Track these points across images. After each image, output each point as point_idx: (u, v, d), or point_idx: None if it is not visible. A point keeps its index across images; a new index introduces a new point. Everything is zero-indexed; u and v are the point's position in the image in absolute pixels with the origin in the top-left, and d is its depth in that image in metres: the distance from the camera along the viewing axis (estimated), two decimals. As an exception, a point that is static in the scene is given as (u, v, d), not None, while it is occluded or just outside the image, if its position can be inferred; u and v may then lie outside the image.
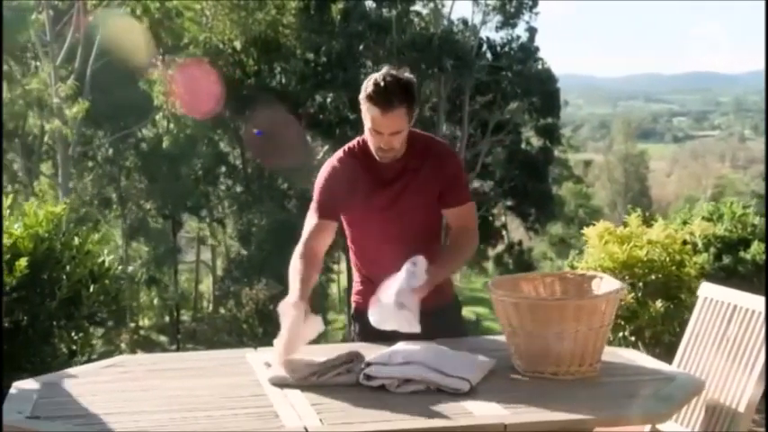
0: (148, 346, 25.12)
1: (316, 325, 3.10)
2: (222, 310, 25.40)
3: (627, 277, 5.49)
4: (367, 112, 3.18)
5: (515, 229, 34.33)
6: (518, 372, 2.99)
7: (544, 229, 32.88)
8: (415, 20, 29.19)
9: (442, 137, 28.14)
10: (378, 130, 3.18)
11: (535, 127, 31.25)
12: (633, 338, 5.42)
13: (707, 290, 3.40)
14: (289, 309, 3.05)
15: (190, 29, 23.78)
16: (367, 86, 3.17)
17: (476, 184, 30.65)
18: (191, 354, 3.32)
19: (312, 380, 2.88)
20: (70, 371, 3.10)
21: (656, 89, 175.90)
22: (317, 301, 26.28)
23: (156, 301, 29.81)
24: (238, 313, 23.13)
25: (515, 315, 2.95)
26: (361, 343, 3.35)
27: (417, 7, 29.43)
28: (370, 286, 3.39)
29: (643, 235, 5.48)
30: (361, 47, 26.91)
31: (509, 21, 29.94)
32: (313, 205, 3.34)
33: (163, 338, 28.29)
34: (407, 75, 3.23)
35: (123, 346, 20.44)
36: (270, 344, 3.06)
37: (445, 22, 29.63)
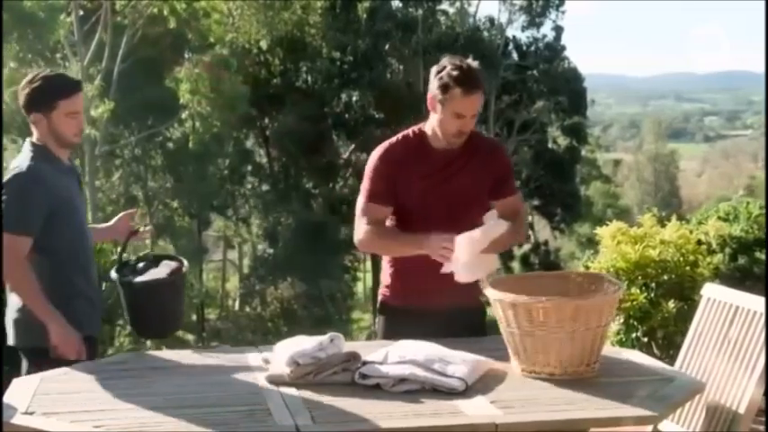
0: (174, 343, 25.24)
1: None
2: (247, 309, 25.51)
3: (640, 277, 5.46)
4: (449, 97, 3.23)
5: (542, 229, 34.16)
6: (516, 372, 2.98)
7: (570, 229, 32.67)
8: (442, 19, 29.16)
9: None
10: (461, 112, 3.24)
11: (561, 126, 31.09)
12: (646, 339, 5.38)
13: (710, 291, 3.37)
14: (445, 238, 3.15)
15: (216, 30, 23.90)
16: (448, 72, 3.22)
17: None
18: (196, 351, 3.33)
19: (308, 378, 2.89)
20: (72, 367, 3.12)
21: (687, 88, 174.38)
22: (343, 302, 26.38)
23: (182, 300, 29.87)
24: (263, 312, 23.24)
25: (512, 315, 2.94)
26: (381, 341, 3.36)
27: (444, 6, 29.43)
28: (402, 280, 3.41)
29: (656, 235, 5.44)
30: (386, 46, 26.89)
31: (535, 20, 29.82)
32: (365, 193, 3.36)
33: (190, 336, 28.47)
34: (474, 62, 3.32)
35: (149, 343, 20.57)
36: None
37: (471, 22, 29.56)
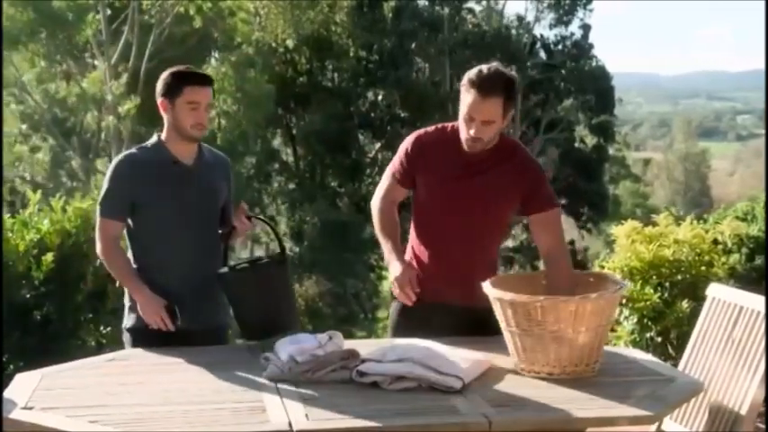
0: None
1: None
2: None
3: (654, 277, 5.42)
4: (464, 98, 3.22)
5: (569, 229, 33.96)
6: (516, 371, 2.97)
7: (598, 229, 32.43)
8: (468, 17, 29.07)
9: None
10: (471, 115, 3.20)
11: (589, 125, 30.88)
12: (660, 339, 5.34)
13: (715, 290, 3.34)
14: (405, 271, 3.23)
15: (242, 29, 23.99)
16: (468, 73, 3.22)
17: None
18: (201, 349, 3.34)
19: (307, 375, 2.90)
20: (73, 363, 3.16)
21: (719, 87, 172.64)
22: (368, 301, 26.35)
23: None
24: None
25: (511, 314, 2.94)
26: (381, 340, 3.37)
27: (470, 4, 29.34)
28: (419, 265, 3.40)
29: (670, 234, 5.40)
30: (413, 45, 26.87)
31: (563, 18, 29.65)
32: (391, 167, 3.43)
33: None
34: (513, 72, 3.28)
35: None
36: None
37: (498, 20, 29.45)
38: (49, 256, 4.87)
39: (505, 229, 3.52)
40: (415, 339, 3.09)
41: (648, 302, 5.31)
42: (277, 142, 29.66)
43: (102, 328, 5.24)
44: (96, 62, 23.99)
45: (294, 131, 27.95)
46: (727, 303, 3.24)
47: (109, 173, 3.45)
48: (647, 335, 5.37)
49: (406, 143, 3.42)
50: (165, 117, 3.42)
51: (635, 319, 5.41)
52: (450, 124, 3.40)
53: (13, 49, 22.37)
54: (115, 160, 3.49)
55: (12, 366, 4.71)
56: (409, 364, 2.85)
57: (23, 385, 2.87)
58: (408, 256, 3.46)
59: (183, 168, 3.43)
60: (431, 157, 3.35)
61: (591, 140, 31.44)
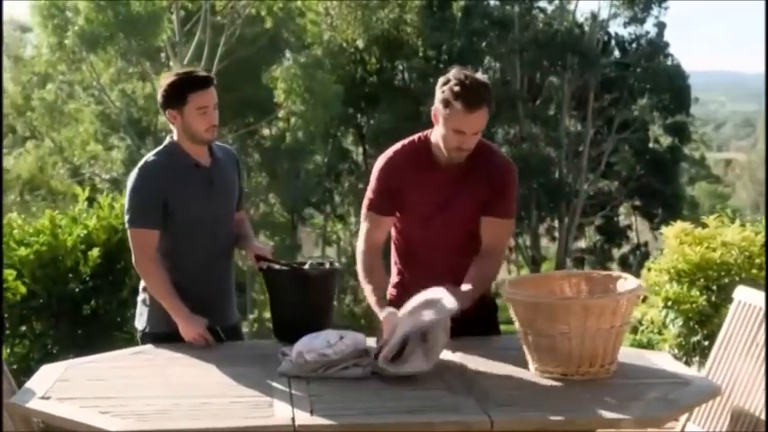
0: (266, 335, 25.75)
1: None
2: (341, 305, 25.78)
3: (702, 279, 5.31)
4: (450, 113, 3.13)
5: (644, 231, 33.39)
6: (530, 372, 2.95)
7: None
8: (540, 16, 28.82)
9: (566, 134, 27.75)
10: (461, 129, 3.14)
11: (664, 125, 30.32)
12: (707, 343, 5.22)
13: (741, 293, 3.27)
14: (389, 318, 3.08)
15: (311, 30, 24.23)
16: (450, 87, 3.12)
17: (600, 183, 30.03)
18: (230, 344, 3.41)
19: (319, 372, 2.93)
20: (99, 356, 3.24)
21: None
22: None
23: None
24: (356, 308, 23.38)
25: (524, 314, 2.93)
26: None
27: (541, 3, 29.07)
28: (404, 283, 3.42)
29: (719, 236, 5.28)
30: (483, 44, 26.75)
31: (638, 16, 29.15)
32: (367, 198, 3.35)
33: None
34: (483, 76, 3.21)
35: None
36: None
37: (570, 18, 29.11)
38: (96, 252, 5.00)
39: None
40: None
41: (695, 305, 5.22)
42: (348, 141, 29.85)
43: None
44: (171, 63, 24.49)
45: (364, 131, 28.09)
46: (753, 306, 3.17)
47: (134, 182, 3.38)
48: (694, 339, 5.27)
49: (378, 172, 3.34)
50: (175, 126, 3.40)
51: (680, 323, 5.32)
52: (418, 135, 3.34)
53: (91, 51, 22.99)
54: (137, 169, 3.41)
55: (60, 358, 4.86)
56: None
57: (46, 376, 2.97)
58: (396, 267, 3.47)
59: (203, 170, 3.44)
60: (407, 176, 3.29)
61: (665, 140, 30.85)
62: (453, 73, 3.17)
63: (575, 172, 28.35)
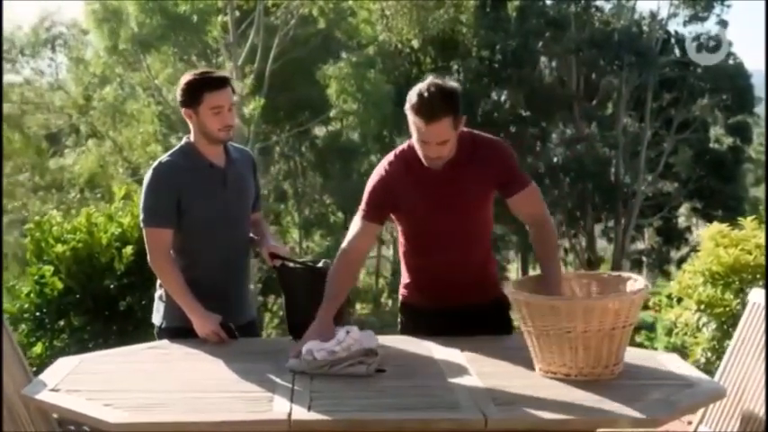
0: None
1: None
2: (392, 305, 25.83)
3: (736, 282, 5.23)
4: (413, 123, 3.19)
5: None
6: (535, 372, 2.95)
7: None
8: (597, 15, 28.46)
9: (624, 134, 27.35)
10: (424, 139, 3.19)
11: (725, 125, 29.71)
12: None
13: (755, 295, 3.22)
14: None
15: (364, 30, 24.29)
16: (411, 98, 3.17)
17: (658, 184, 29.56)
18: (244, 341, 3.46)
19: (325, 369, 2.97)
20: (113, 350, 3.32)
21: None
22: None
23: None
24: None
25: (527, 314, 2.92)
26: (404, 336, 3.42)
27: (599, 2, 28.72)
28: (416, 282, 3.46)
29: (753, 239, 5.19)
30: (539, 44, 26.53)
31: (699, 14, 28.61)
32: (361, 207, 3.38)
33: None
34: (452, 84, 3.22)
35: (273, 333, 21.16)
36: None
37: (628, 17, 28.69)
38: (129, 249, 5.12)
39: (491, 215, 3.47)
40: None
41: (728, 309, 5.14)
42: (401, 142, 29.81)
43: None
44: (227, 63, 24.77)
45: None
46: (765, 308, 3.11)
47: (149, 182, 3.43)
48: (727, 342, 5.18)
49: (372, 180, 3.38)
50: (191, 124, 3.45)
51: (714, 326, 5.24)
52: (406, 145, 3.35)
53: (145, 53, 23.37)
54: (152, 169, 3.46)
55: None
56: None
57: (60, 368, 3.05)
58: (407, 267, 3.50)
59: (218, 170, 3.49)
60: (400, 188, 3.32)
61: (727, 141, 30.24)
62: (420, 84, 3.19)
63: (632, 173, 27.95)
